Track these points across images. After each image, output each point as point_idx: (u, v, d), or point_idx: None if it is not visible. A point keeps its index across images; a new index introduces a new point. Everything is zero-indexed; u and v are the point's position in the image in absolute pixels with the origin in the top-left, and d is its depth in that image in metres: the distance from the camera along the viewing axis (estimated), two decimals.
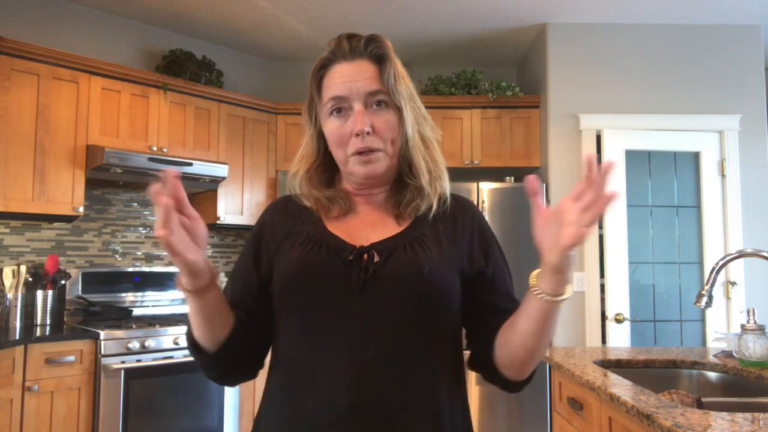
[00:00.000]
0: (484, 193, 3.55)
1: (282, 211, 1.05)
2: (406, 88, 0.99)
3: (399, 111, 0.98)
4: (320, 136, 1.03)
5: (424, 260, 0.94)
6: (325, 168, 1.05)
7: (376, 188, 1.03)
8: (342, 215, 1.02)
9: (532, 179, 0.83)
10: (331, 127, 0.98)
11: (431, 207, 1.00)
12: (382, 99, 0.97)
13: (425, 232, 0.98)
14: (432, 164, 1.02)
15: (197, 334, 0.95)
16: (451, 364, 0.97)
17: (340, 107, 0.97)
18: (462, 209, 1.05)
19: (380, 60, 0.98)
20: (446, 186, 1.04)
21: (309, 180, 1.04)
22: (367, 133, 0.94)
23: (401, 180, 1.02)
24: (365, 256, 0.94)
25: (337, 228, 1.00)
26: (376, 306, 0.92)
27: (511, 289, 1.04)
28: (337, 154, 0.99)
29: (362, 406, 0.89)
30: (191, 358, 1.00)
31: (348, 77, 0.96)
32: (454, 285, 0.97)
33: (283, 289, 0.97)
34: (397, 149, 0.99)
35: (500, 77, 4.07)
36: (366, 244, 0.96)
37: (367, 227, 1.00)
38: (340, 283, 0.93)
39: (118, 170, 3.13)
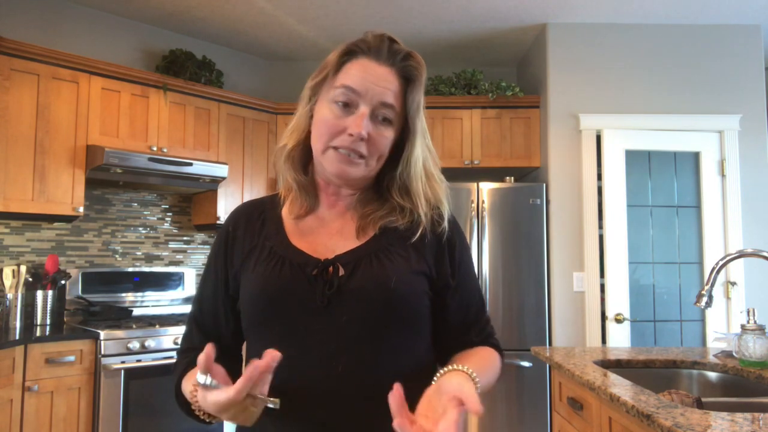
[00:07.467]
0: (484, 193, 3.54)
1: (244, 224, 1.02)
2: (422, 117, 0.97)
3: (402, 133, 0.96)
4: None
5: (391, 272, 0.92)
6: (307, 150, 1.00)
7: (345, 189, 1.00)
8: (304, 215, 1.00)
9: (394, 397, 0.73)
10: (328, 113, 0.93)
11: (414, 228, 0.97)
12: (390, 115, 0.93)
13: (392, 242, 0.96)
14: (432, 195, 1.00)
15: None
16: (425, 370, 0.94)
17: (348, 99, 0.92)
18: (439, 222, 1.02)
19: (408, 80, 0.95)
20: (446, 213, 1.01)
21: (291, 160, 1.00)
22: (362, 138, 0.91)
23: (378, 193, 1.00)
24: (330, 269, 0.92)
25: (301, 239, 0.98)
26: (343, 321, 0.89)
27: (472, 312, 1.02)
28: (318, 142, 0.94)
29: (335, 422, 0.87)
30: None
31: (371, 77, 0.92)
32: (423, 292, 0.95)
33: (249, 309, 0.95)
34: (380, 165, 0.97)
35: (500, 77, 4.07)
36: (330, 256, 0.94)
37: (332, 236, 0.98)
38: (305, 299, 0.90)
39: (118, 170, 3.12)
